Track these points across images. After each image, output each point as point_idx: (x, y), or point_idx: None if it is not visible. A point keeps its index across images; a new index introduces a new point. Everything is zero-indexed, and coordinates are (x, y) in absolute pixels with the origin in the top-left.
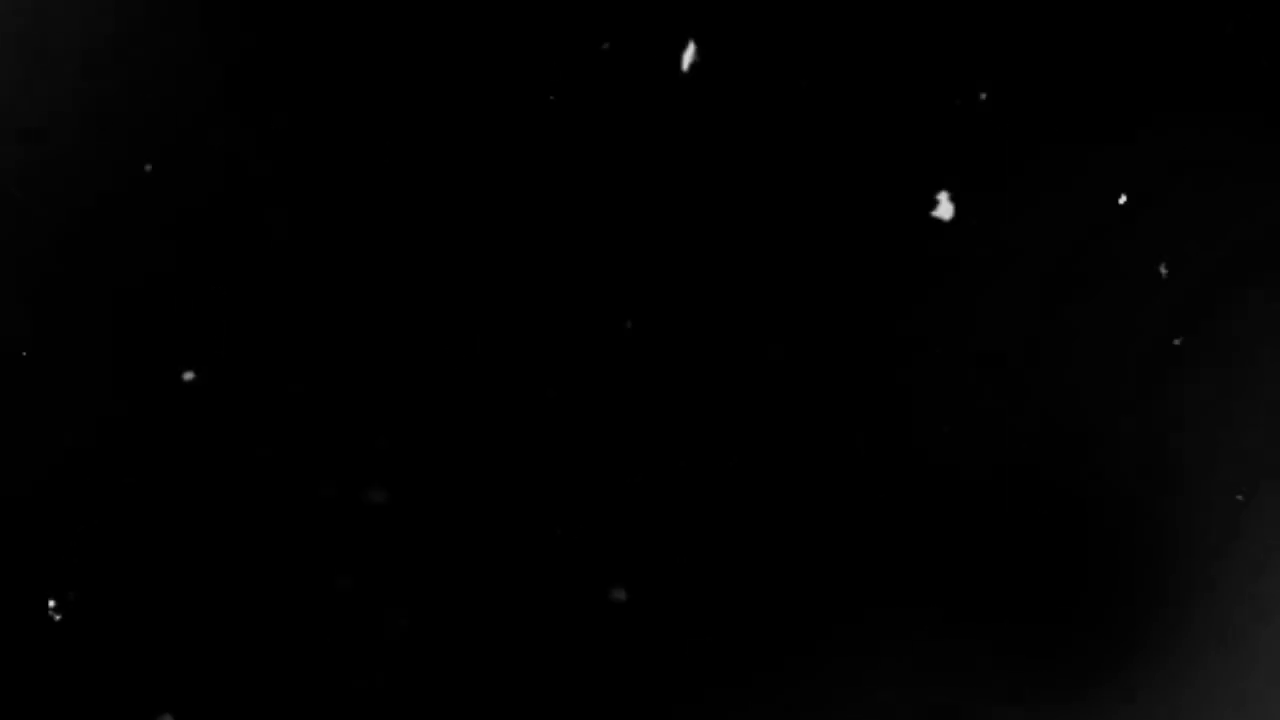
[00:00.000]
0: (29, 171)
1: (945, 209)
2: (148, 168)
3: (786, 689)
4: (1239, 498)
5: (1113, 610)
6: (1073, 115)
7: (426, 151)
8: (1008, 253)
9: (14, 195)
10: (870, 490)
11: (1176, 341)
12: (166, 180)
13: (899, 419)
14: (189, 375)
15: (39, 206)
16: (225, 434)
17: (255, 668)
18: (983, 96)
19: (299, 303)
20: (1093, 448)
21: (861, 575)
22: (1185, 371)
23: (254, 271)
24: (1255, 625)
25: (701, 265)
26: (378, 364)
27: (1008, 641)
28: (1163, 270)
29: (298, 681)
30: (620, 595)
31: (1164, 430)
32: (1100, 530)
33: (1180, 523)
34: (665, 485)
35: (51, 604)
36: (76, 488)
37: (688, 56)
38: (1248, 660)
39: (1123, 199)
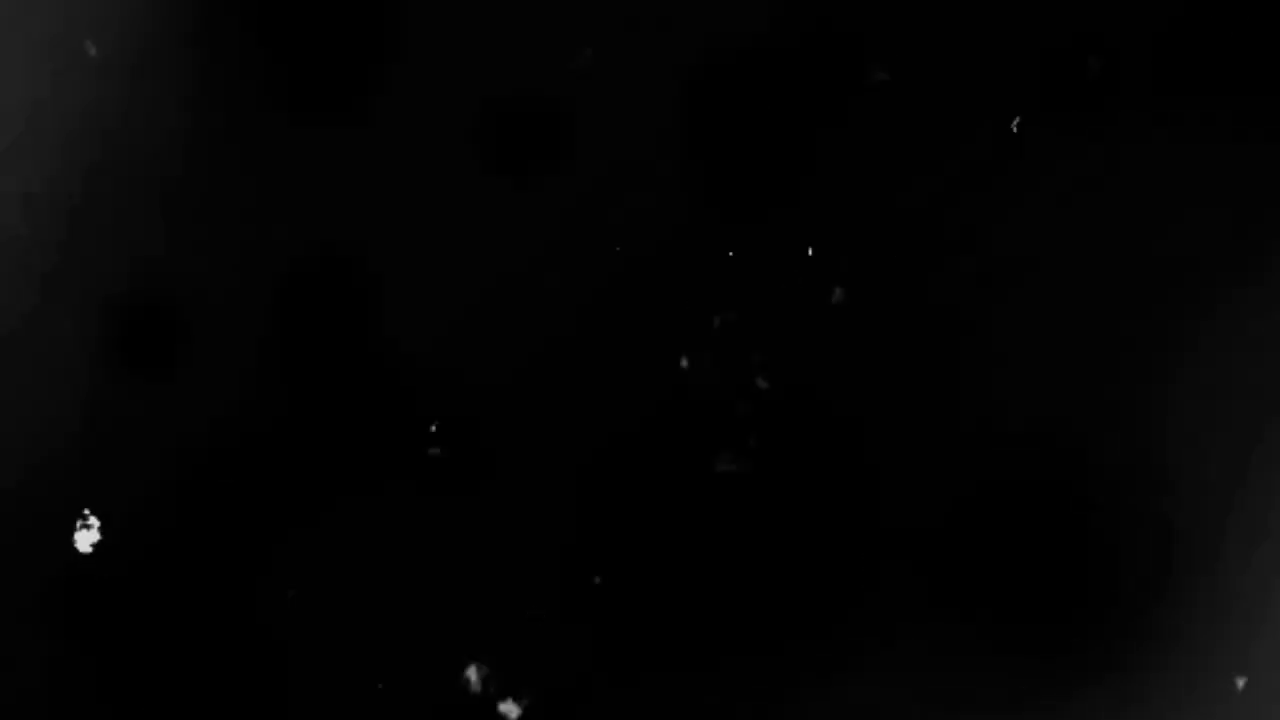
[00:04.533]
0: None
1: None
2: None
3: (783, 688)
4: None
5: (1112, 611)
6: (1069, 114)
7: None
8: (1005, 253)
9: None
10: (868, 491)
11: (1173, 339)
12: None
13: (897, 419)
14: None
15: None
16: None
17: (255, 668)
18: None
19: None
20: (1092, 447)
21: (858, 575)
22: (1185, 371)
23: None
24: (1256, 626)
25: (700, 261)
26: (378, 359)
27: (1007, 642)
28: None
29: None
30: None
31: (1163, 430)
32: (1099, 530)
33: (1180, 523)
34: (667, 484)
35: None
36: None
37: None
38: (1247, 662)
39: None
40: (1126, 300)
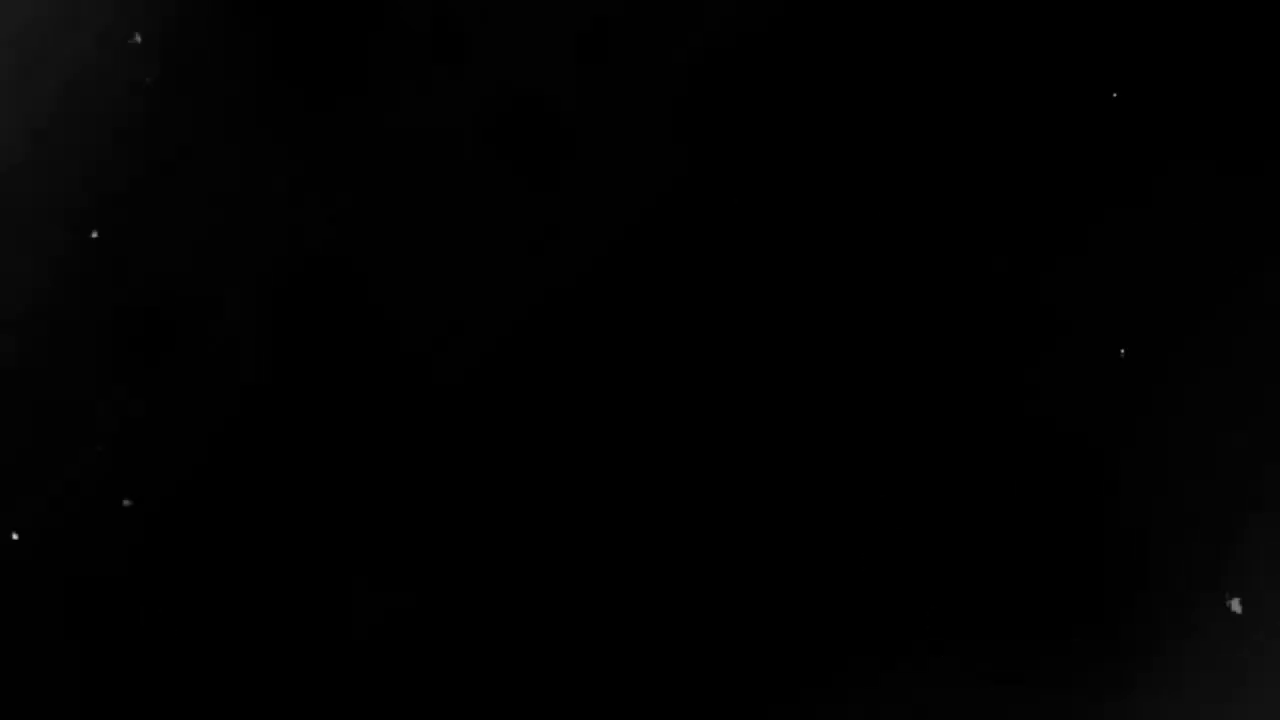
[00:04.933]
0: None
1: None
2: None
3: (784, 693)
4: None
5: (1114, 613)
6: (1073, 114)
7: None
8: (1008, 253)
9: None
10: (871, 495)
11: (1176, 341)
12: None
13: (900, 423)
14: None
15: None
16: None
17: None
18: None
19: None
20: (1094, 447)
21: (861, 579)
22: (1186, 371)
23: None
24: (1258, 626)
25: (706, 263)
26: (378, 358)
27: (1006, 644)
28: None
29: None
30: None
31: (1165, 430)
32: (1101, 532)
33: (1181, 523)
34: (667, 483)
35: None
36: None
37: None
38: (1248, 663)
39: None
40: (1131, 303)
